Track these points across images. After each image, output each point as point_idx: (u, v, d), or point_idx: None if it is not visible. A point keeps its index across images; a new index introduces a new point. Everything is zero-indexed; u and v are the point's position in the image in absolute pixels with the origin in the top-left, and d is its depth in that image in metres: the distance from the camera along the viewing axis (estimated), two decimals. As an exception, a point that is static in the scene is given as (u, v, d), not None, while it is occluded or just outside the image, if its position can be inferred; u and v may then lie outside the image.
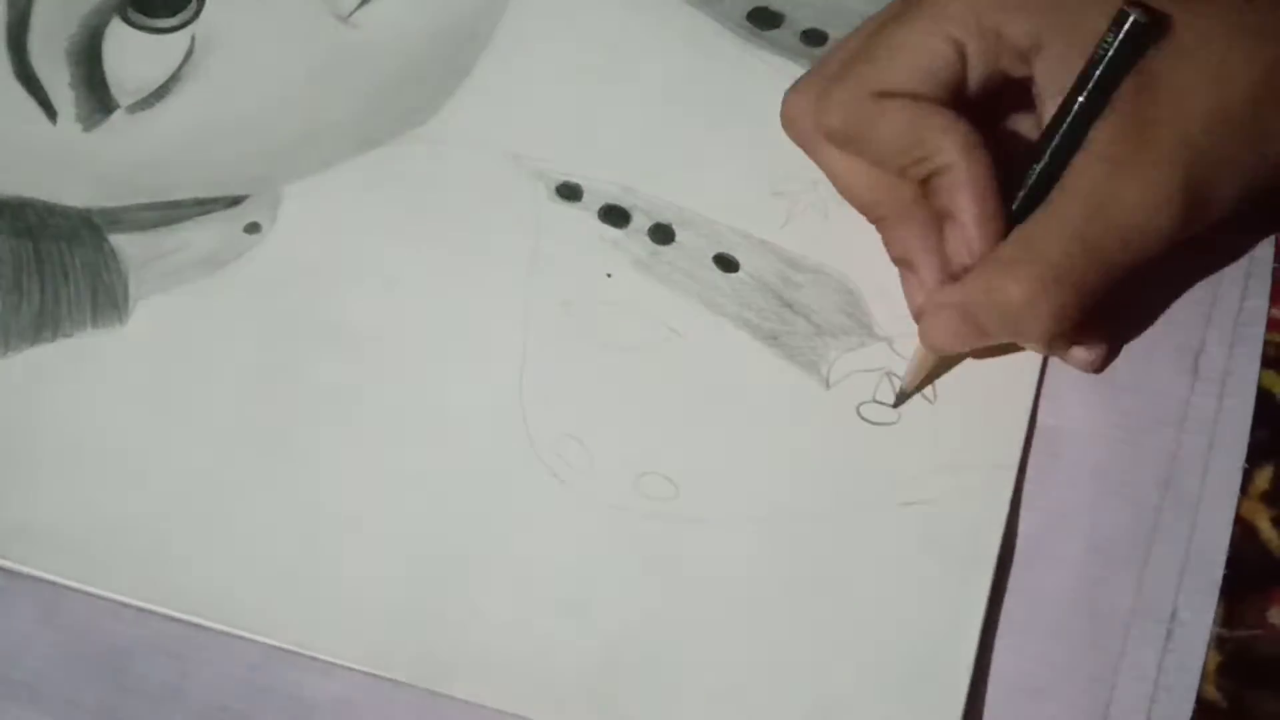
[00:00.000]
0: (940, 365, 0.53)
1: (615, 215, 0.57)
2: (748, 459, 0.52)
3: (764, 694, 0.49)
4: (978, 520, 0.51)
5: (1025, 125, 0.54)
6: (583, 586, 0.50)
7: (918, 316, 0.53)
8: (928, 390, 0.53)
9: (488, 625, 0.50)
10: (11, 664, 0.50)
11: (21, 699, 0.50)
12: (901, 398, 0.53)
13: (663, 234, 0.56)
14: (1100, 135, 0.50)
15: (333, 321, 0.55)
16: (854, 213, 0.55)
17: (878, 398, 0.53)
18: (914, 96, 0.51)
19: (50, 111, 0.60)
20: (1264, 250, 0.55)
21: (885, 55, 0.52)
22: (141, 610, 0.51)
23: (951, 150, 0.51)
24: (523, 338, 0.55)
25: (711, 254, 0.56)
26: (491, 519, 0.52)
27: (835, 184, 0.55)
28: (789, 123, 0.55)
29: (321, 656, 0.50)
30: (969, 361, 0.53)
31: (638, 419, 0.53)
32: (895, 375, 0.53)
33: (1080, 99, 0.50)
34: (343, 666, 0.50)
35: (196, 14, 0.62)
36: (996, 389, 0.53)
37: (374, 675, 0.49)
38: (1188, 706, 0.48)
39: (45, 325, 0.56)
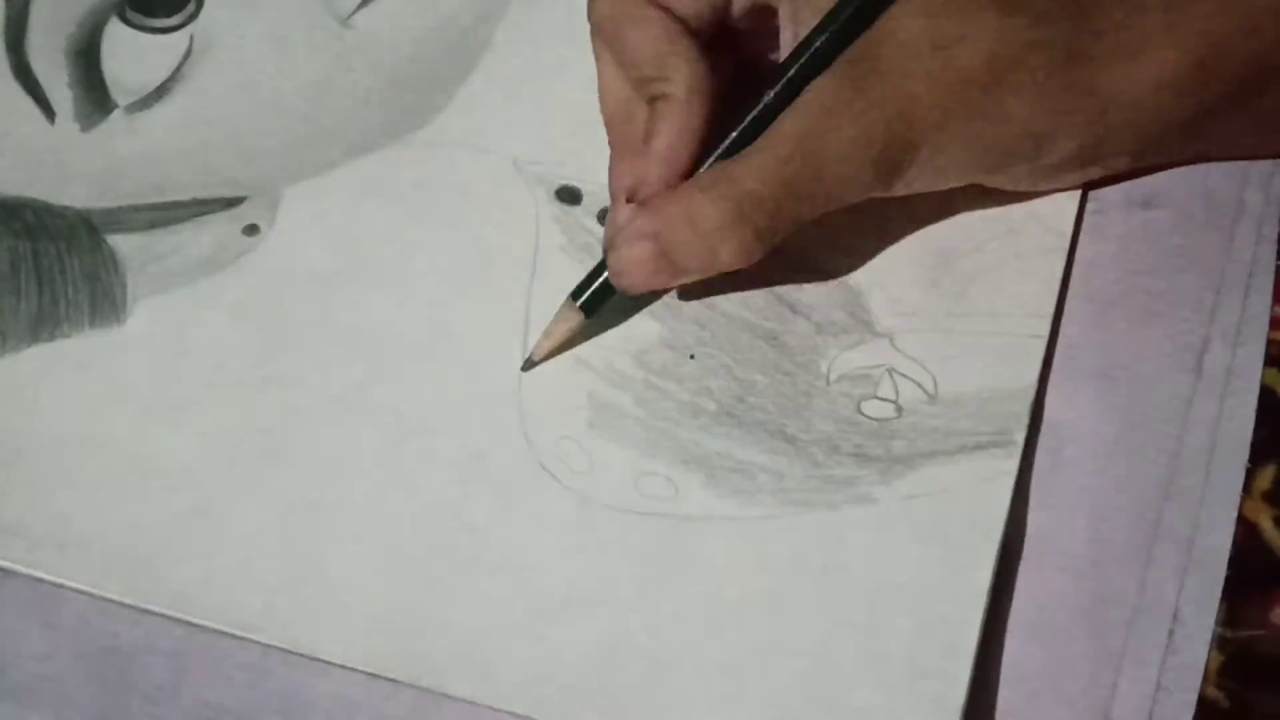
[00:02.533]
0: (574, 336, 0.54)
1: (616, 218, 0.57)
2: (747, 457, 0.52)
3: (764, 692, 0.48)
4: (979, 514, 0.51)
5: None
6: (582, 586, 0.50)
7: (607, 244, 0.53)
8: (928, 385, 0.53)
9: (486, 625, 0.50)
10: (8, 664, 0.50)
11: (18, 698, 0.50)
12: (528, 364, 0.54)
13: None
14: (820, 82, 0.51)
15: (332, 323, 0.55)
16: (853, 209, 0.55)
17: (879, 394, 0.53)
18: (675, 14, 0.52)
19: (48, 111, 0.60)
20: (1266, 249, 0.55)
21: None
22: (139, 610, 0.51)
23: (680, 82, 0.52)
24: (522, 340, 0.55)
25: (711, 255, 0.56)
26: (490, 520, 0.51)
27: (599, 93, 0.55)
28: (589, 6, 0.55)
29: (320, 657, 0.50)
30: (969, 356, 0.53)
31: (637, 420, 0.53)
32: (897, 371, 0.53)
33: (812, 46, 0.51)
34: (341, 666, 0.49)
35: (195, 14, 0.62)
36: (998, 383, 0.53)
37: (372, 674, 0.49)
38: (1189, 707, 0.48)
39: (43, 325, 0.56)
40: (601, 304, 0.54)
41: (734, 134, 0.52)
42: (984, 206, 0.56)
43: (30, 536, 0.52)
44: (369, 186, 0.58)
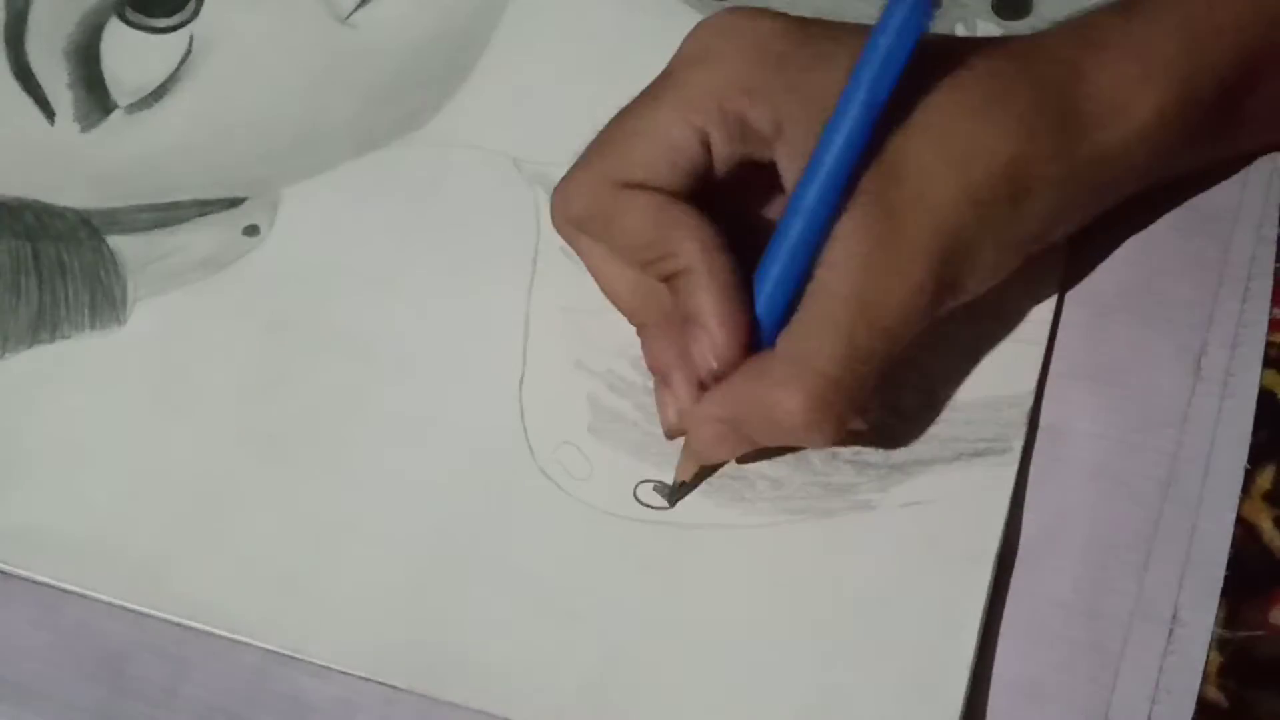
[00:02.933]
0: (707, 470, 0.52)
1: (614, 218, 0.56)
2: (746, 464, 0.52)
3: (762, 700, 0.48)
4: (977, 520, 0.51)
5: (776, 209, 0.52)
6: (582, 592, 0.50)
7: (672, 430, 0.51)
8: (926, 390, 0.53)
9: (487, 631, 0.50)
10: (9, 665, 0.50)
11: (18, 701, 0.50)
12: (674, 493, 0.52)
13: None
14: (848, 228, 0.49)
15: (332, 324, 0.55)
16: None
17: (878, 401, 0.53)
18: (656, 189, 0.50)
19: (48, 111, 0.60)
20: (1265, 251, 0.55)
21: (626, 142, 0.51)
22: (139, 612, 0.51)
23: (691, 252, 0.49)
24: (523, 343, 0.54)
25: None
26: (491, 525, 0.51)
27: (598, 282, 0.53)
28: (553, 218, 0.53)
29: (320, 662, 0.50)
30: (967, 363, 0.53)
31: (638, 426, 0.53)
32: (895, 378, 0.53)
33: (817, 178, 0.48)
34: (341, 671, 0.49)
35: (195, 14, 0.62)
36: (996, 388, 0.53)
37: (372, 680, 0.49)
38: (1189, 707, 0.48)
39: (43, 326, 0.56)
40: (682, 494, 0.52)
41: (768, 286, 0.50)
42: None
43: (30, 538, 0.52)
44: (369, 187, 0.58)
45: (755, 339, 0.50)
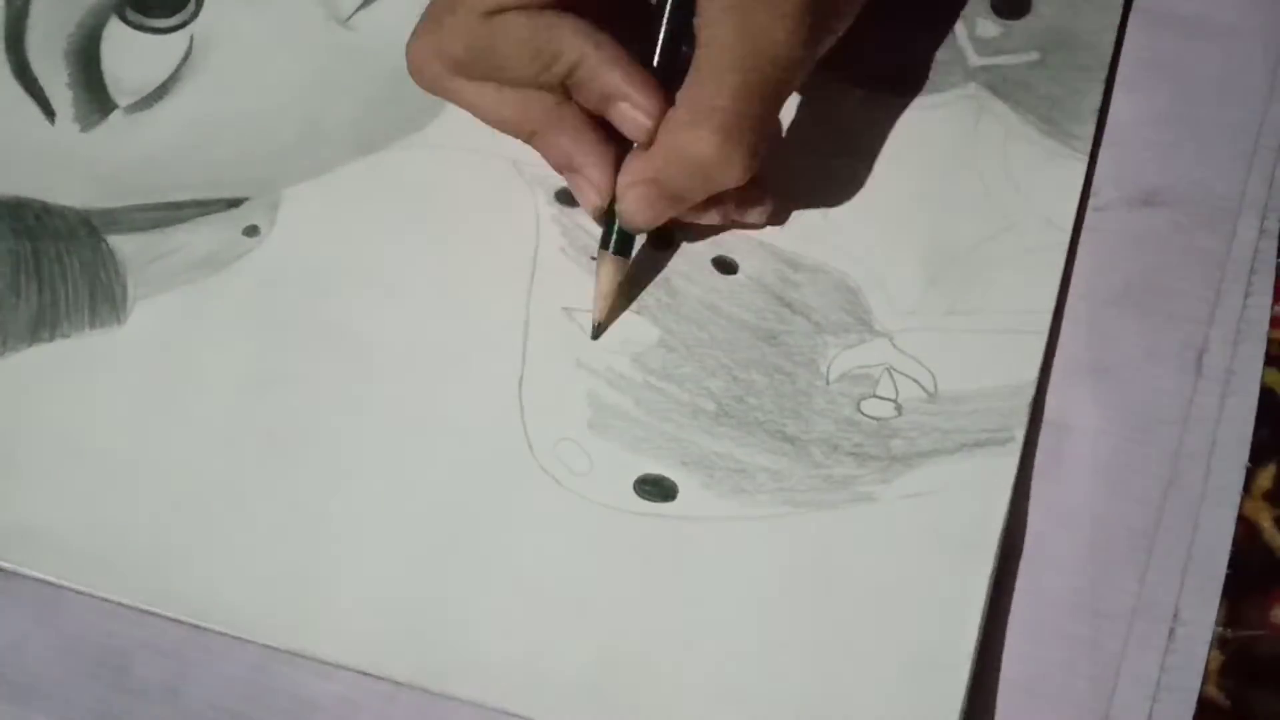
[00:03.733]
0: (618, 286, 0.54)
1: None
2: (747, 457, 0.52)
3: (763, 692, 0.49)
4: (979, 511, 0.51)
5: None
6: (582, 587, 0.50)
7: (597, 210, 0.54)
8: (927, 383, 0.53)
9: (487, 626, 0.50)
10: (10, 664, 0.50)
11: (20, 700, 0.50)
12: (598, 330, 0.54)
13: (661, 238, 0.56)
14: None
15: (331, 325, 0.55)
16: (853, 209, 0.56)
17: (879, 393, 0.53)
18: (525, 7, 0.52)
19: (48, 111, 0.60)
20: (1267, 247, 0.55)
21: None
22: (140, 610, 0.51)
23: (577, 43, 0.52)
24: (522, 341, 0.54)
25: (710, 257, 0.56)
26: (491, 521, 0.51)
27: (478, 115, 0.55)
28: (416, 71, 0.55)
29: (320, 658, 0.50)
30: (968, 354, 0.53)
31: (638, 421, 0.53)
32: (896, 370, 0.53)
33: None
34: (341, 667, 0.49)
35: (195, 14, 0.62)
36: (998, 377, 0.53)
37: (374, 675, 0.49)
38: (1189, 707, 0.48)
39: (43, 326, 0.56)
40: (631, 245, 0.55)
41: (656, 57, 0.53)
42: (983, 202, 0.56)
43: (30, 537, 0.52)
44: (369, 187, 0.58)
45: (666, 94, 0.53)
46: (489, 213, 0.57)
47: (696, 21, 0.52)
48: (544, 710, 0.48)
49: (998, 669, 0.49)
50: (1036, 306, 0.54)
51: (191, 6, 0.62)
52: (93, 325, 0.55)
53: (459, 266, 0.56)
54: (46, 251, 0.57)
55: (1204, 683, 0.49)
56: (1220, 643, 0.49)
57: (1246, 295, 0.54)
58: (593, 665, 0.49)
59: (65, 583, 0.51)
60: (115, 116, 0.60)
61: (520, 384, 0.54)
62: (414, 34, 0.55)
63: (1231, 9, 0.59)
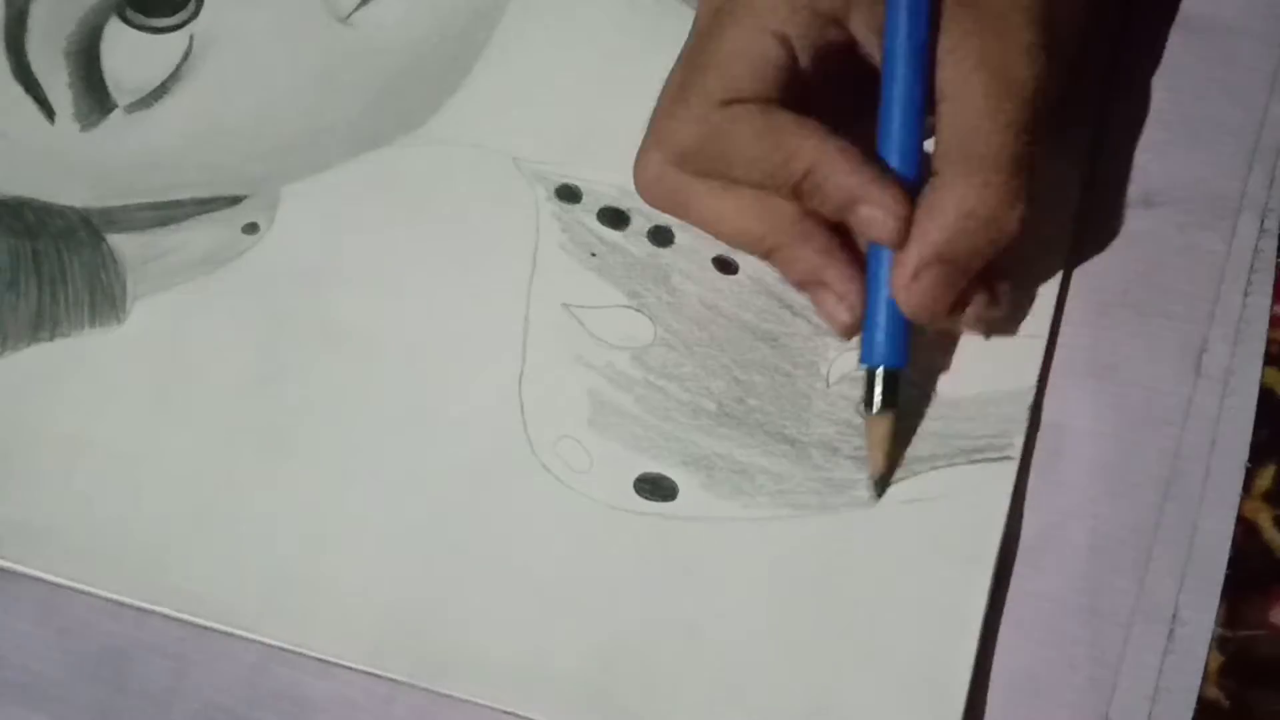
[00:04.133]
0: (899, 433, 0.52)
1: (614, 217, 0.56)
2: (747, 458, 0.52)
3: (763, 692, 0.49)
4: (978, 517, 0.51)
5: (868, 94, 0.53)
6: (582, 586, 0.50)
7: (848, 328, 0.52)
8: (927, 387, 0.53)
9: (487, 625, 0.50)
10: (9, 664, 0.50)
11: (19, 699, 0.50)
12: (881, 485, 0.52)
13: (662, 236, 0.56)
14: (948, 44, 0.50)
15: (331, 322, 0.55)
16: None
17: None
18: (758, 101, 0.51)
19: (48, 111, 0.60)
20: (1267, 247, 0.55)
21: (717, 66, 0.51)
22: (139, 610, 0.51)
23: (810, 144, 0.50)
24: (522, 339, 0.54)
25: (710, 256, 0.56)
26: (491, 519, 0.51)
27: (715, 230, 0.53)
28: (649, 185, 0.53)
29: (320, 656, 0.50)
30: (968, 359, 0.53)
31: (638, 420, 0.53)
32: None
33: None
34: (341, 666, 0.50)
35: (195, 14, 0.62)
36: (997, 384, 0.53)
37: (373, 674, 0.49)
38: (1189, 707, 0.48)
39: (43, 325, 0.56)
40: (897, 391, 0.52)
41: (894, 141, 0.51)
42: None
43: (30, 535, 0.52)
44: (368, 185, 0.58)
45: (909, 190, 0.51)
46: (489, 209, 0.57)
47: (937, 81, 0.50)
48: (543, 709, 0.49)
49: (985, 669, 0.49)
50: (1036, 310, 0.54)
51: (191, 6, 0.62)
52: (93, 324, 0.56)
53: (459, 263, 0.56)
54: (46, 251, 0.57)
55: (1204, 683, 0.48)
56: (1220, 643, 0.49)
57: (1246, 295, 0.54)
58: (592, 664, 0.49)
59: (65, 581, 0.51)
60: (115, 116, 0.60)
61: (520, 381, 0.54)
62: (640, 148, 0.53)
63: (1231, 9, 0.59)
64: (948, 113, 0.50)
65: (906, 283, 0.50)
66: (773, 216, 0.52)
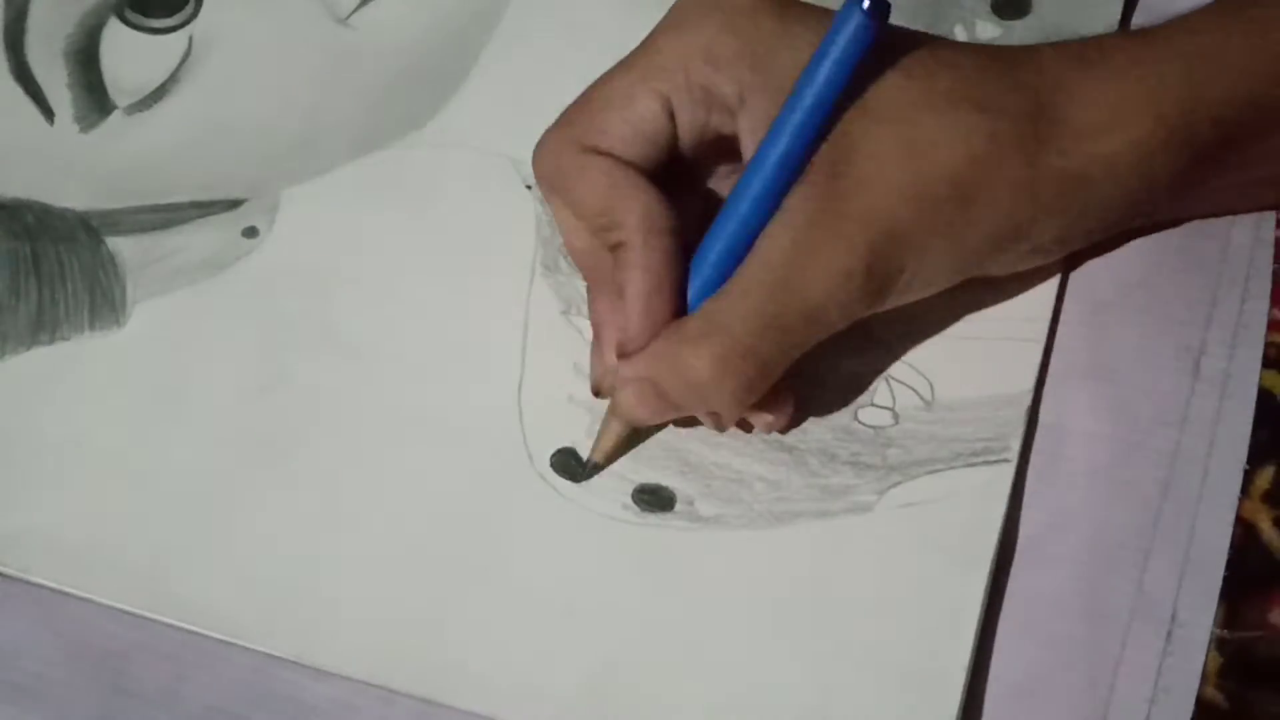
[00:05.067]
0: (631, 436, 0.52)
1: (614, 221, 0.56)
2: (745, 467, 0.52)
3: (761, 701, 0.48)
4: (975, 521, 0.51)
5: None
6: (580, 595, 0.50)
7: (596, 387, 0.52)
8: (925, 391, 0.53)
9: (486, 634, 0.50)
10: (8, 667, 0.50)
11: (18, 702, 0.50)
12: (591, 469, 0.52)
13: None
14: (791, 203, 0.49)
15: (331, 325, 0.55)
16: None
17: (876, 402, 0.53)
18: (616, 157, 0.51)
19: (47, 112, 0.60)
20: (1263, 251, 0.55)
21: (594, 108, 0.51)
22: (138, 615, 0.51)
23: (632, 227, 0.50)
24: (521, 346, 0.54)
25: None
26: (489, 528, 0.51)
27: (562, 237, 0.54)
28: (535, 159, 0.53)
29: (318, 666, 0.49)
30: (966, 362, 0.53)
31: (635, 430, 0.53)
32: (894, 379, 0.53)
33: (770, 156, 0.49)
34: (340, 676, 0.49)
35: (194, 14, 0.62)
36: (995, 388, 0.53)
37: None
38: (1188, 707, 0.48)
39: (42, 328, 0.56)
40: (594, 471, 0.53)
41: (711, 257, 0.50)
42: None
43: (30, 541, 0.52)
44: (368, 188, 0.58)
45: (681, 311, 0.50)
46: (488, 213, 0.57)
47: (765, 229, 0.50)
48: (540, 719, 0.48)
49: (983, 671, 0.49)
50: (1034, 314, 0.54)
51: (190, 7, 0.62)
52: (92, 327, 0.56)
53: (458, 268, 0.56)
54: (46, 253, 0.57)
55: (1203, 684, 0.48)
56: (1219, 644, 0.49)
57: (1243, 299, 0.54)
58: (590, 674, 0.49)
59: (64, 586, 0.51)
60: (115, 117, 0.60)
61: (519, 388, 0.54)
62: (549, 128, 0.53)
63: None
64: (741, 265, 0.49)
65: (623, 381, 0.51)
66: (597, 259, 0.52)
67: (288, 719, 0.49)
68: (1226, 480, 0.51)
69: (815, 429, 0.53)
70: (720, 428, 0.52)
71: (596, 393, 0.53)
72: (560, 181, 0.51)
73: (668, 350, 0.50)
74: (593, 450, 0.52)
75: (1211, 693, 0.49)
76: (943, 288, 0.51)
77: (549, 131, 0.52)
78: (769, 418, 0.52)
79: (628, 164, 0.51)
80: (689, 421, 0.52)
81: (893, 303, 0.50)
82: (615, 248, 0.51)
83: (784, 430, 0.52)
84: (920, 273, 0.50)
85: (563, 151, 0.51)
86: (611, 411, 0.52)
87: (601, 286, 0.52)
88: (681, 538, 0.51)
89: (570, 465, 0.52)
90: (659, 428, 0.53)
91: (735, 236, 0.50)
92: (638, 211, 0.50)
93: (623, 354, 0.51)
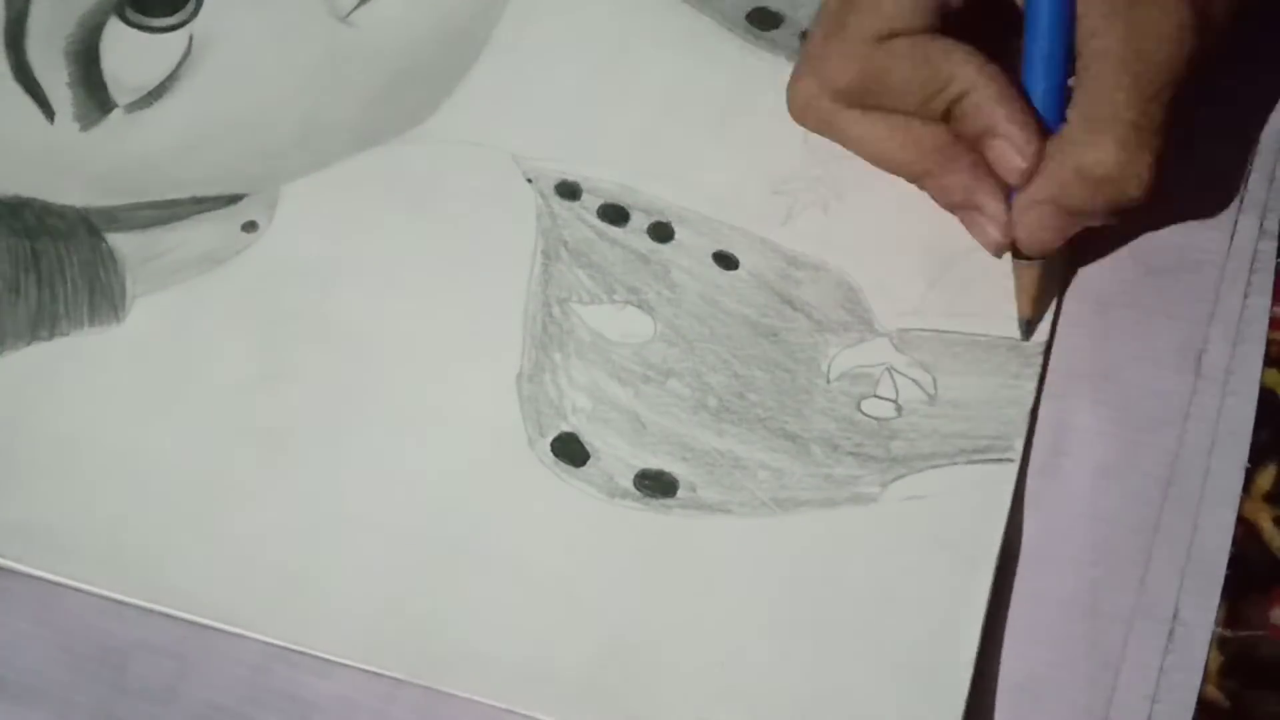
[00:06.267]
0: (1046, 280, 0.54)
1: (614, 213, 0.56)
2: (748, 454, 0.52)
3: (764, 690, 0.48)
4: (979, 516, 0.51)
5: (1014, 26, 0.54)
6: (582, 583, 0.50)
7: (998, 246, 0.53)
8: (928, 385, 0.53)
9: (487, 622, 0.50)
10: (8, 663, 0.50)
11: (18, 698, 0.50)
12: (1029, 327, 0.54)
13: (662, 232, 0.56)
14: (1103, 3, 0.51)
15: (330, 320, 0.55)
16: (853, 210, 0.56)
17: (879, 393, 0.53)
18: (912, 33, 0.52)
19: (48, 111, 0.60)
20: (1266, 248, 0.55)
21: (872, 3, 0.52)
22: (139, 610, 0.51)
23: (967, 70, 0.52)
24: (521, 335, 0.54)
25: (711, 252, 0.56)
26: (491, 516, 0.51)
27: (865, 153, 0.55)
28: (801, 109, 0.55)
29: (320, 655, 0.49)
30: (969, 360, 0.53)
31: (638, 416, 0.53)
32: (896, 370, 0.53)
33: None
34: (341, 665, 0.49)
35: (194, 13, 0.62)
36: (997, 386, 0.53)
37: (373, 673, 0.49)
38: (1189, 707, 0.48)
39: (42, 324, 0.56)
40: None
41: (1041, 82, 0.52)
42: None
43: (30, 535, 0.52)
44: (368, 183, 0.58)
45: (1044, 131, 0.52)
46: (488, 207, 0.57)
47: (1080, 32, 0.51)
48: (543, 706, 0.48)
49: (997, 669, 0.49)
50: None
51: (191, 5, 0.62)
52: (92, 323, 0.56)
53: (458, 261, 0.56)
54: (46, 250, 0.57)
55: (1204, 683, 0.48)
56: (1220, 643, 0.49)
57: (1246, 295, 0.54)
58: (592, 660, 0.49)
59: (64, 580, 0.51)
60: (115, 115, 0.60)
61: (520, 378, 0.54)
62: (796, 73, 0.55)
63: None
64: (1088, 69, 0.51)
65: (1020, 214, 0.52)
66: (924, 141, 0.53)
67: (288, 716, 0.49)
68: (1228, 479, 0.51)
69: (819, 418, 0.53)
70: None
71: (998, 251, 0.53)
72: (867, 82, 0.53)
73: (1064, 161, 0.51)
74: (1019, 310, 0.53)
75: (1213, 692, 0.49)
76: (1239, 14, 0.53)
77: (830, 47, 0.53)
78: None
79: (925, 29, 0.52)
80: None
81: (1212, 38, 0.52)
82: (952, 106, 0.52)
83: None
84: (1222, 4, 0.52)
85: (859, 51, 0.52)
86: (1020, 255, 0.53)
87: (940, 166, 0.53)
88: (683, 524, 0.51)
89: (571, 450, 0.52)
90: (1066, 267, 0.54)
91: (1053, 44, 0.52)
92: (964, 56, 0.52)
93: (1021, 179, 0.51)
